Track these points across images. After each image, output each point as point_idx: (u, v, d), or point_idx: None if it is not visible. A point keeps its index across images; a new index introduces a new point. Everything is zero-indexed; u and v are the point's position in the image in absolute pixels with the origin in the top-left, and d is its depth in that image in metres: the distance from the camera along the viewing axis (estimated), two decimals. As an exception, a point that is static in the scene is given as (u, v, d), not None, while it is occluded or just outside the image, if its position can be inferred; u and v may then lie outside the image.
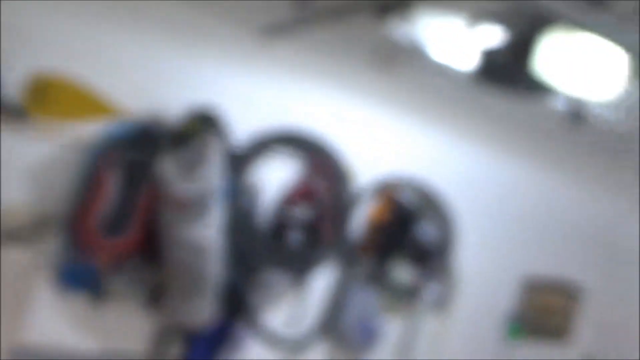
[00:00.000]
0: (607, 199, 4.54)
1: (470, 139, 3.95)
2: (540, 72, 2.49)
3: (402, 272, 3.77)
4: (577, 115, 2.33)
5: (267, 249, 3.24)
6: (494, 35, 2.45)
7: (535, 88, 2.63)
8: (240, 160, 3.12)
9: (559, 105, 2.48)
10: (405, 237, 3.78)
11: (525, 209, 4.25)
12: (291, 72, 3.26)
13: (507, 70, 2.46)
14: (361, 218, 3.62)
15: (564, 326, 4.53)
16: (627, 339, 4.87)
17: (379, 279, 3.71)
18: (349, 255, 3.57)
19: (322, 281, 3.51)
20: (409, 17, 2.40)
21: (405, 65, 3.35)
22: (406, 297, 3.83)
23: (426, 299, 3.86)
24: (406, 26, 2.53)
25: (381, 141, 3.65)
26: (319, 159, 3.38)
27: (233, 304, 3.09)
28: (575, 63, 2.52)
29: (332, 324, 3.54)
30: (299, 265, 3.38)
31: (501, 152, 4.07)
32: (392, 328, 3.87)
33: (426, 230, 3.81)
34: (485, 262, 4.11)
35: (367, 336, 3.71)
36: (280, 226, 3.29)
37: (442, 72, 3.32)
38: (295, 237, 3.30)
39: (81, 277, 2.81)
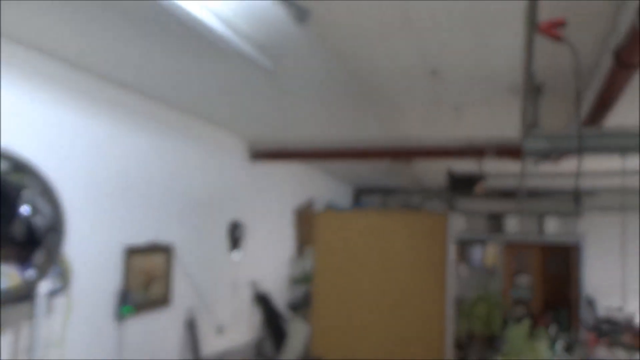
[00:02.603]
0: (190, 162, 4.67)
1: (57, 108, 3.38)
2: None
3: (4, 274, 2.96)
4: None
5: None
6: None
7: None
8: None
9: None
10: (6, 221, 2.97)
11: (121, 177, 3.94)
12: None
13: None
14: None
15: (166, 293, 4.45)
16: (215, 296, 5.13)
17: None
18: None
19: None
20: None
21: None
22: (14, 302, 3.03)
23: (41, 298, 3.14)
24: None
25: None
26: None
27: None
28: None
29: None
30: None
31: (92, 119, 3.63)
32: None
33: (30, 210, 3.09)
34: (89, 239, 3.63)
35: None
36: None
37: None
38: None
39: None
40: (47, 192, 3.20)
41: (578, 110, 2.70)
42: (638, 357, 7.08)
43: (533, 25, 2.05)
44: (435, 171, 7.81)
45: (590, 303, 9.40)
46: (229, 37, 2.91)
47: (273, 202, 6.67)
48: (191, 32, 2.78)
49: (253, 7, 2.62)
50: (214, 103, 4.49)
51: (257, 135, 5.68)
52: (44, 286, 3.18)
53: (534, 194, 8.53)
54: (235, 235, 5.61)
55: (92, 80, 3.65)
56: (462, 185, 7.54)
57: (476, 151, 5.44)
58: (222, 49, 3.04)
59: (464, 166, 6.62)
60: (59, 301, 3.37)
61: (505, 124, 4.84)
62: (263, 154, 5.92)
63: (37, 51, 3.23)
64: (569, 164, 5.26)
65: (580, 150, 2.79)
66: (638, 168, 5.52)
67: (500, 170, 7.29)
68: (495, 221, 10.53)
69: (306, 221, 7.40)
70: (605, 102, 3.15)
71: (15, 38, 3.05)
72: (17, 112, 3.12)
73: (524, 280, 11.04)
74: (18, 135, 3.11)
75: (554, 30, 2.07)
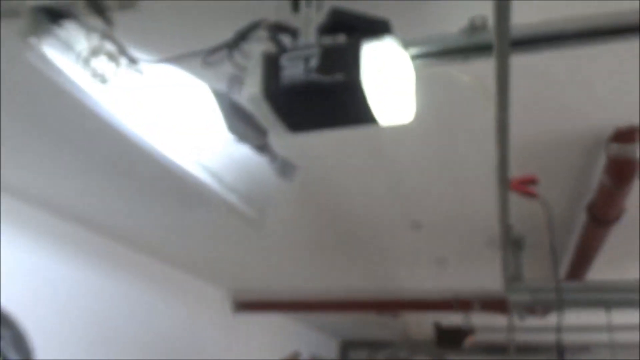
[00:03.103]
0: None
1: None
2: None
3: None
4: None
5: None
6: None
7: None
8: None
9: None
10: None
11: (99, 328, 3.82)
12: None
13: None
14: None
15: None
16: None
17: None
18: None
19: None
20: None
21: None
22: None
23: None
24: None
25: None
26: None
27: None
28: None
29: None
30: None
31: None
32: None
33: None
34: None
35: None
36: None
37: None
38: None
39: None
40: (18, 342, 3.09)
41: (555, 264, 2.74)
42: None
43: (505, 182, 2.14)
44: (422, 323, 7.64)
45: None
46: (214, 188, 2.99)
47: (255, 355, 6.42)
48: (175, 182, 2.86)
49: (238, 159, 2.73)
50: (196, 253, 4.49)
51: (240, 285, 5.62)
52: None
53: (525, 348, 8.30)
54: (213, 391, 5.32)
55: (69, 227, 3.67)
56: (450, 338, 7.35)
57: (462, 304, 5.38)
58: (207, 199, 3.11)
59: (452, 319, 6.50)
60: None
61: (489, 275, 4.85)
62: (246, 304, 5.81)
63: (21, 200, 3.28)
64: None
65: (560, 303, 2.79)
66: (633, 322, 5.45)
67: (488, 323, 7.16)
68: (487, 377, 10.12)
69: (289, 376, 7.06)
70: (585, 255, 3.19)
71: None
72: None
73: None
74: (-4, 283, 3.07)
75: (526, 187, 2.16)
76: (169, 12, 1.81)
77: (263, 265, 4.84)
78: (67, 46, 1.81)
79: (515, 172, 2.27)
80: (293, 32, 1.65)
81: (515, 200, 2.71)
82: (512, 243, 3.54)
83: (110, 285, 3.98)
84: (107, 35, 1.74)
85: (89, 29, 1.72)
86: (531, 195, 2.16)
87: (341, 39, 1.57)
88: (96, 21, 1.75)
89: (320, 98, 1.62)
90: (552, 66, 2.01)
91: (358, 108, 1.64)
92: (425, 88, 1.87)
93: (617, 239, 3.32)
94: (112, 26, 1.77)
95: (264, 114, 1.69)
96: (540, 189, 2.19)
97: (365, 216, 3.62)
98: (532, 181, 2.17)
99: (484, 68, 1.62)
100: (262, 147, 2.29)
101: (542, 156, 2.60)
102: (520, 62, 1.64)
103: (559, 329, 2.42)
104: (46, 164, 2.91)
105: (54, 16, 1.82)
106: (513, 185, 2.15)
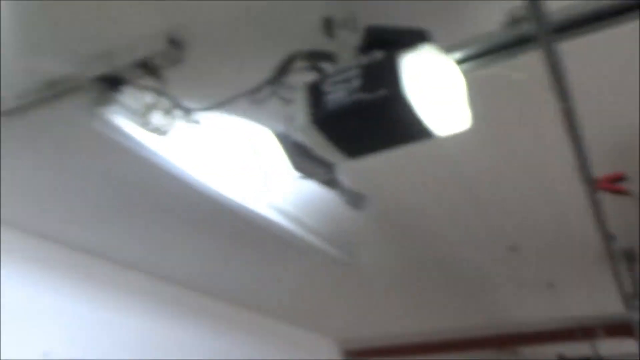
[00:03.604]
0: None
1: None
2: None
3: None
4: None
5: None
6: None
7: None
8: None
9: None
10: None
11: None
12: None
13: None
14: None
15: None
16: None
17: None
18: None
19: None
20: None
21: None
22: None
23: None
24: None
25: None
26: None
27: None
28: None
29: None
30: None
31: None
32: None
33: None
34: None
35: None
36: None
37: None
38: None
39: None
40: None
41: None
42: None
43: (591, 183, 1.97)
44: (542, 357, 7.12)
45: None
46: (298, 233, 2.98)
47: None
48: (261, 232, 2.88)
49: (312, 199, 2.72)
50: (296, 303, 4.47)
51: (346, 332, 5.52)
52: None
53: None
54: None
55: (169, 288, 3.78)
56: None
57: (585, 331, 4.98)
58: (293, 245, 3.10)
59: (571, 350, 6.00)
60: None
61: (605, 296, 4.46)
62: (356, 352, 5.67)
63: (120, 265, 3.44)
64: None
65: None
66: None
67: (614, 350, 6.55)
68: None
69: None
70: None
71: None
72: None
73: None
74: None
75: (614, 185, 1.98)
76: (215, 59, 1.86)
77: (365, 310, 4.74)
78: (126, 108, 1.91)
79: (604, 170, 2.09)
80: (331, 57, 1.64)
81: (616, 207, 2.48)
82: (622, 255, 3.25)
83: (217, 343, 4.04)
84: (160, 92, 1.81)
85: (143, 89, 1.81)
86: (623, 192, 1.98)
87: (379, 55, 1.54)
88: (149, 80, 1.84)
89: (369, 117, 1.59)
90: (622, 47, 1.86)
91: (410, 122, 1.59)
92: (484, 92, 1.79)
93: None
94: (164, 83, 1.85)
95: (320, 144, 1.68)
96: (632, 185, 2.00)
97: (456, 241, 3.46)
98: (620, 178, 1.99)
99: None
100: (329, 181, 2.27)
101: (627, 149, 2.39)
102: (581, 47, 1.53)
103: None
104: (137, 230, 3.04)
105: (112, 83, 1.93)
106: (600, 184, 1.98)
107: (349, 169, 2.33)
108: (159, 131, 1.84)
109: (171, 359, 3.66)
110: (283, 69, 1.67)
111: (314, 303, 4.50)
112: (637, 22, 1.45)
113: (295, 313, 4.79)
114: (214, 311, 4.12)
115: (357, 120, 1.60)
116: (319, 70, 1.67)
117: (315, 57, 1.64)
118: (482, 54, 1.58)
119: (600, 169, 1.97)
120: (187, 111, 1.84)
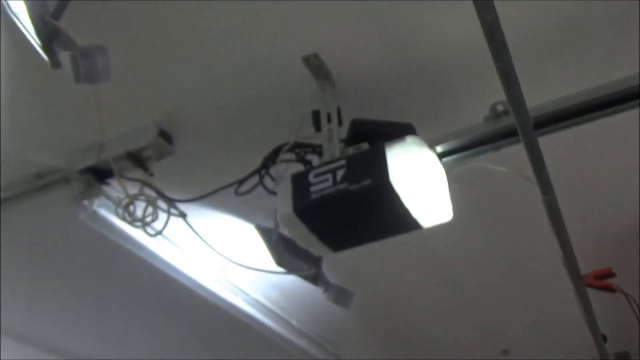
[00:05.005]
0: None
1: None
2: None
3: None
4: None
5: None
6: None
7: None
8: None
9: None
10: None
11: None
12: None
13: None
14: None
15: None
16: None
17: None
18: None
19: None
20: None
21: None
22: None
23: None
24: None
25: None
26: None
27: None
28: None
29: None
30: None
31: None
32: None
33: None
34: None
35: None
36: None
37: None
38: None
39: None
40: None
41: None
42: None
43: (578, 279, 1.95)
44: None
45: None
46: (282, 333, 2.90)
47: None
48: (242, 329, 2.80)
49: (296, 295, 2.67)
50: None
51: None
52: None
53: None
54: None
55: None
56: None
57: None
58: (276, 345, 3.00)
59: None
60: None
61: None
62: None
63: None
64: None
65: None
66: None
67: None
68: None
69: None
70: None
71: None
72: None
73: None
74: None
75: (602, 281, 1.95)
76: (203, 151, 1.88)
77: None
78: (112, 200, 1.90)
79: (595, 265, 2.06)
80: (318, 149, 1.67)
81: (609, 305, 2.43)
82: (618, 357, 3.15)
83: None
84: (145, 183, 1.81)
85: (128, 180, 1.81)
86: (611, 289, 1.95)
87: (365, 146, 1.57)
88: (136, 172, 1.84)
89: (353, 208, 1.57)
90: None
91: (393, 214, 1.58)
92: (467, 183, 1.81)
93: None
94: (152, 175, 1.86)
95: (303, 236, 1.66)
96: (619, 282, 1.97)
97: (450, 345, 3.37)
98: (608, 274, 1.97)
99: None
100: (313, 277, 2.23)
101: (613, 245, 2.39)
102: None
103: None
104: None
105: (99, 176, 1.93)
106: (588, 281, 1.95)
107: (333, 266, 2.31)
108: (141, 222, 1.82)
109: None
110: (270, 160, 1.69)
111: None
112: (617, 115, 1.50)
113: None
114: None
115: (341, 211, 1.59)
116: (305, 162, 1.68)
117: (302, 149, 1.67)
118: (465, 148, 1.62)
119: (591, 264, 1.95)
120: (172, 202, 1.84)
